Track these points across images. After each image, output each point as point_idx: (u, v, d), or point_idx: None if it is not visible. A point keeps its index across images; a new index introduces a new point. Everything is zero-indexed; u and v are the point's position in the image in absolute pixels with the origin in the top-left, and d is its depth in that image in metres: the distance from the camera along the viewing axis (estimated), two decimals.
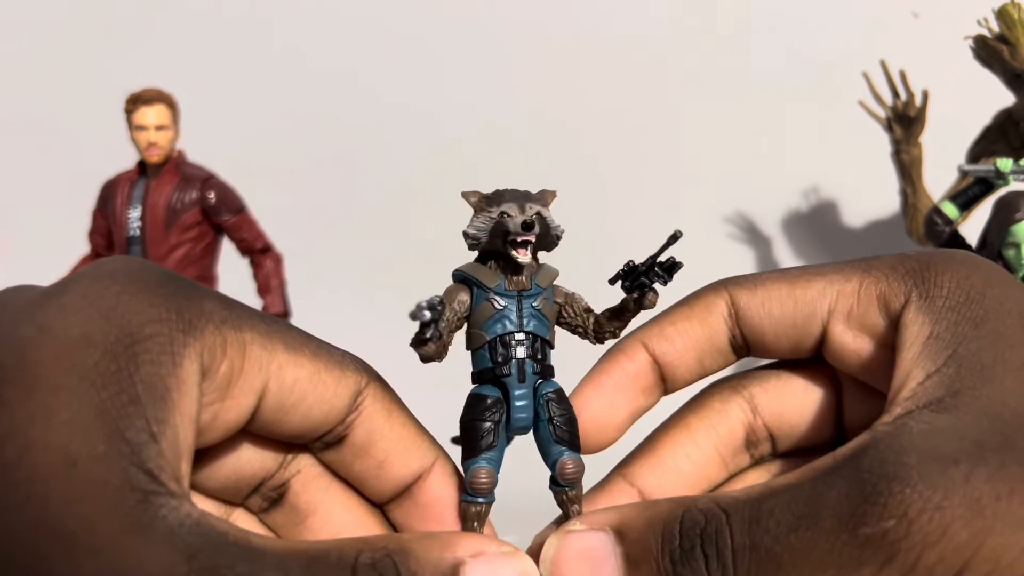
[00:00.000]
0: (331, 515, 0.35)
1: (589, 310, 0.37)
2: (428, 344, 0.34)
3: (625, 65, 1.90)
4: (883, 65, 1.38)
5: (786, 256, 1.92)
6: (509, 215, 0.35)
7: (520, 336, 0.35)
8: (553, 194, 0.37)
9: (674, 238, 0.35)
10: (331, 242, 1.97)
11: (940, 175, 1.35)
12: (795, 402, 0.38)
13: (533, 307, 0.36)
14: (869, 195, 1.74)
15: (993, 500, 0.27)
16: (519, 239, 0.34)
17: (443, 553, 0.29)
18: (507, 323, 0.35)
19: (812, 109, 1.75)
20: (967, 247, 1.27)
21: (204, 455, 0.32)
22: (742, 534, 0.28)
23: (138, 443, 0.26)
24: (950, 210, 1.26)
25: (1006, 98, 1.29)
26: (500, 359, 0.35)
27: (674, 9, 1.89)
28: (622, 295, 0.37)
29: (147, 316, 0.28)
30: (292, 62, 1.93)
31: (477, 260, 0.37)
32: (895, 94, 1.39)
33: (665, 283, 0.35)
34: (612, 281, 0.36)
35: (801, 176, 1.88)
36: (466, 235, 0.36)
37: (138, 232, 1.63)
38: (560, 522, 0.35)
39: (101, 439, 0.25)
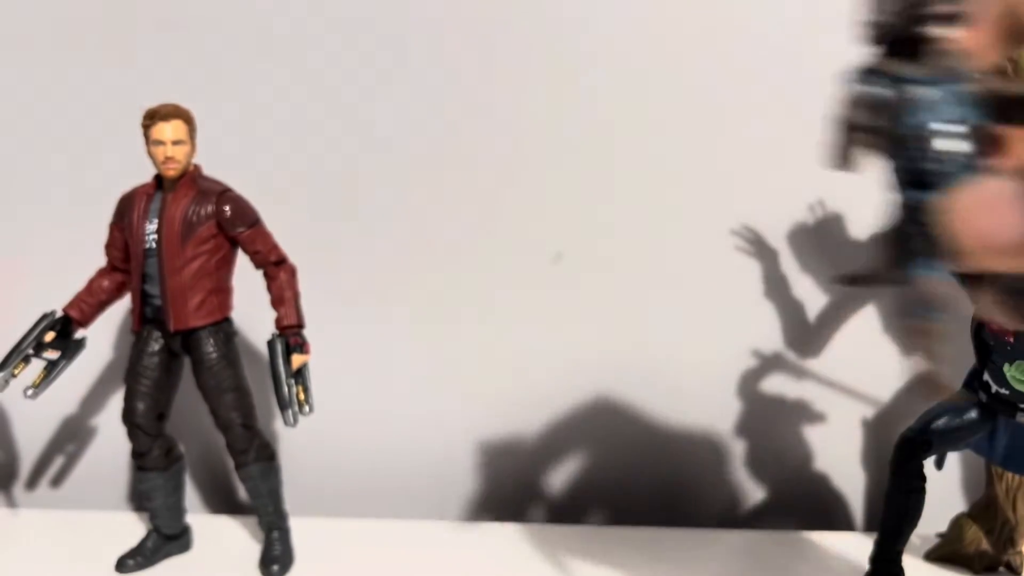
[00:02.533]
0: None
1: None
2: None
3: (632, 80, 1.92)
4: None
5: (792, 267, 1.93)
6: None
7: None
8: None
9: None
10: (345, 254, 1.98)
11: None
12: None
13: None
14: (873, 208, 1.75)
15: None
16: None
17: None
18: None
19: (817, 123, 1.75)
20: None
21: None
22: None
23: None
24: None
25: None
26: None
27: (679, 23, 1.91)
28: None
29: None
30: (310, 78, 1.95)
31: None
32: None
33: None
34: None
35: (806, 189, 1.89)
36: None
37: (154, 245, 1.64)
38: None
39: None
